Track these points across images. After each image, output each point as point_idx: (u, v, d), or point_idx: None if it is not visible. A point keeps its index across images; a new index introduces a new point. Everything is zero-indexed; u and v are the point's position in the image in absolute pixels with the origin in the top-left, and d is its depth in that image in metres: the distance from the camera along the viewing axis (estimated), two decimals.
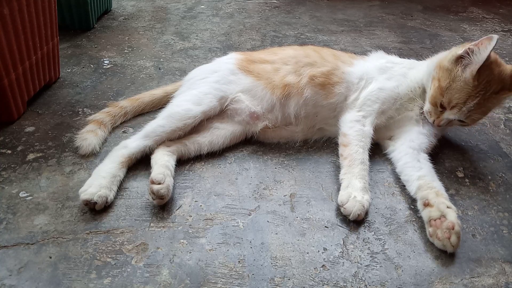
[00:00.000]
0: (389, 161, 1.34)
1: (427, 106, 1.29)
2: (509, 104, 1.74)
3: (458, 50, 1.22)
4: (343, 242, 1.06)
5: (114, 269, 0.95)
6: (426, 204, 1.10)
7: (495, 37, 1.13)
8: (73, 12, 2.17)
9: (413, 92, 1.34)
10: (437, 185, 1.16)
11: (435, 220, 1.06)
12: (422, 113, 1.32)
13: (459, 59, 1.21)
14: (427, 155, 1.28)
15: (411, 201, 1.18)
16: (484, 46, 1.15)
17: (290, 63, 1.41)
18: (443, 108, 1.24)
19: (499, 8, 3.03)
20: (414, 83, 1.35)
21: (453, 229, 1.01)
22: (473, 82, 1.17)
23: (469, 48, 1.19)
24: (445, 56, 1.27)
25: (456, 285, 0.96)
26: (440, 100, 1.24)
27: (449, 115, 1.23)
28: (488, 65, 1.16)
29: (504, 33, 2.54)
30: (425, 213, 1.10)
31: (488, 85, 1.17)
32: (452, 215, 1.04)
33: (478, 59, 1.16)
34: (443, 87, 1.22)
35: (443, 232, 1.02)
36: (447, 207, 1.07)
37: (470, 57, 1.18)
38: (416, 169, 1.22)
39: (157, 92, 1.54)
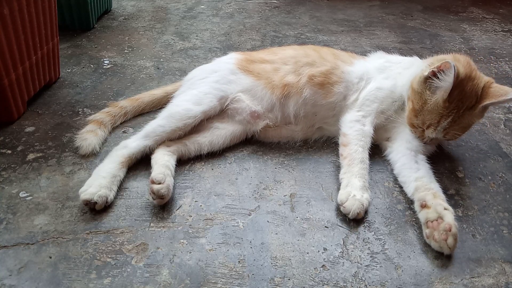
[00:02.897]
0: (388, 161, 1.34)
1: (407, 127, 1.30)
2: (509, 104, 1.74)
3: (425, 71, 1.21)
4: (343, 242, 1.06)
5: (114, 269, 0.95)
6: (423, 206, 1.10)
7: (452, 63, 1.11)
8: (73, 12, 2.17)
9: (407, 93, 1.34)
10: (435, 186, 1.16)
11: (432, 221, 1.06)
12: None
13: (427, 79, 1.20)
14: (425, 156, 1.28)
15: (411, 202, 1.18)
16: (447, 73, 1.14)
17: (290, 63, 1.41)
18: (421, 128, 1.25)
19: (499, 8, 3.03)
20: (406, 83, 1.34)
21: (450, 231, 1.01)
22: (443, 104, 1.17)
23: (432, 70, 1.17)
24: (415, 76, 1.26)
25: (456, 285, 0.96)
26: (415, 122, 1.25)
27: (428, 134, 1.24)
28: (457, 85, 1.15)
29: (504, 33, 2.54)
30: (422, 215, 1.10)
31: (460, 103, 1.16)
32: (449, 217, 1.04)
33: (446, 85, 1.15)
34: (416, 109, 1.23)
35: (440, 233, 1.02)
36: (444, 208, 1.06)
37: (436, 80, 1.17)
38: (414, 170, 1.22)
39: (157, 92, 1.54)
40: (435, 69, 1.17)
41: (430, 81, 1.19)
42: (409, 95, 1.27)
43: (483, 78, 1.20)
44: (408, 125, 1.28)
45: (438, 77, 1.17)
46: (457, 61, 1.19)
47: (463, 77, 1.16)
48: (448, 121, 1.19)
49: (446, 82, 1.14)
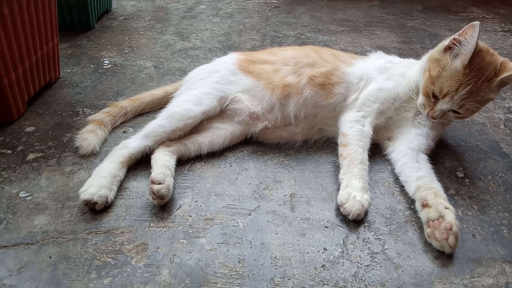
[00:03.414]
0: (389, 161, 1.34)
1: (420, 99, 1.29)
2: (509, 104, 1.74)
3: (445, 42, 1.24)
4: (343, 242, 1.06)
5: (114, 269, 0.95)
6: (425, 205, 1.10)
7: (477, 23, 1.13)
8: (73, 12, 2.17)
9: (412, 92, 1.34)
10: (436, 185, 1.16)
11: (433, 221, 1.06)
12: (419, 113, 1.32)
13: (447, 49, 1.22)
14: (426, 156, 1.28)
15: (411, 201, 1.18)
16: (470, 35, 1.15)
17: (290, 63, 1.41)
18: (435, 98, 1.24)
19: (499, 8, 3.03)
20: (411, 82, 1.35)
21: (451, 230, 1.01)
22: (463, 70, 1.17)
23: (454, 38, 1.20)
24: (434, 49, 1.28)
25: (456, 285, 0.96)
26: (431, 89, 1.23)
27: (442, 105, 1.22)
28: (478, 53, 1.16)
29: (504, 33, 2.54)
30: (423, 214, 1.10)
31: (480, 73, 1.17)
32: (450, 216, 1.04)
33: (468, 49, 1.16)
34: (433, 76, 1.23)
35: (441, 233, 1.02)
36: (445, 208, 1.07)
37: (458, 47, 1.19)
38: (415, 169, 1.22)
39: (157, 92, 1.54)
40: (457, 36, 1.18)
41: (452, 48, 1.20)
42: (426, 67, 1.27)
43: (500, 57, 1.22)
44: (421, 95, 1.28)
45: (460, 44, 1.18)
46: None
47: (483, 49, 1.18)
48: (467, 90, 1.17)
49: (469, 44, 1.15)
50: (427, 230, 1.06)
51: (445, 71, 1.20)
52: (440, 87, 1.21)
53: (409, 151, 1.27)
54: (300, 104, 1.36)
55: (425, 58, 1.33)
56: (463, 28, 1.18)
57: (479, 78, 1.17)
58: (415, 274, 0.98)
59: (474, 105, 1.20)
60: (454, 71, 1.18)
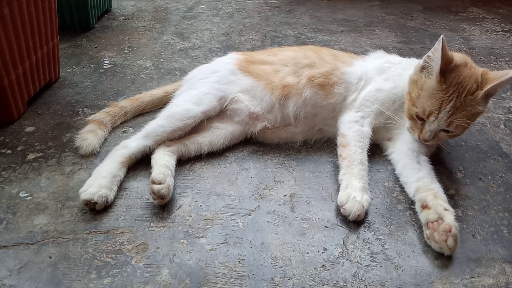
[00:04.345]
0: (389, 161, 1.34)
1: (407, 123, 1.27)
2: (509, 104, 1.74)
3: (420, 61, 1.22)
4: (343, 242, 1.06)
5: (114, 269, 0.96)
6: (424, 206, 1.10)
7: (441, 37, 1.11)
8: (73, 12, 2.17)
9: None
10: (436, 187, 1.16)
11: (432, 222, 1.05)
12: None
13: (422, 69, 1.20)
14: (427, 157, 1.27)
15: (411, 202, 1.18)
16: (436, 49, 1.14)
17: (290, 64, 1.41)
18: (421, 120, 1.20)
19: (499, 8, 3.03)
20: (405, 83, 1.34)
21: (450, 231, 1.01)
22: (440, 86, 1.14)
23: (428, 55, 1.18)
24: (413, 70, 1.26)
25: (456, 285, 0.96)
26: (414, 112, 1.20)
27: (429, 125, 1.18)
28: (453, 68, 1.14)
29: (504, 33, 2.54)
30: (423, 215, 1.10)
31: (460, 87, 1.13)
32: (449, 218, 1.04)
33: (436, 64, 1.14)
34: (413, 97, 1.20)
35: (440, 234, 1.02)
36: (445, 209, 1.06)
37: (430, 64, 1.17)
38: (415, 171, 1.21)
39: (157, 92, 1.54)
40: (430, 53, 1.17)
41: (426, 66, 1.19)
42: (406, 90, 1.26)
43: (480, 68, 1.19)
44: (408, 120, 1.25)
45: (430, 64, 1.17)
46: (454, 53, 1.20)
47: (459, 63, 1.16)
48: (450, 106, 1.13)
49: (437, 59, 1.14)
50: (426, 232, 1.06)
51: (423, 91, 1.18)
52: (422, 107, 1.17)
53: (409, 152, 1.27)
54: (300, 104, 1.36)
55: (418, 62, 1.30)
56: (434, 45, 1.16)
57: (460, 92, 1.13)
58: (415, 274, 0.98)
59: (463, 121, 1.15)
60: (431, 88, 1.16)
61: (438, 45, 1.12)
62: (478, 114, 1.18)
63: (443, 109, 1.14)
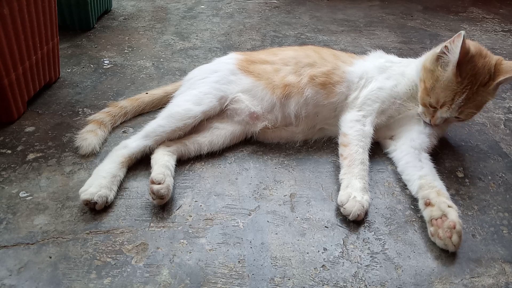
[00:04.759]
0: (389, 160, 1.34)
1: (419, 108, 1.30)
2: (509, 104, 1.74)
3: (437, 49, 1.23)
4: (343, 242, 1.06)
5: (114, 269, 0.95)
6: (428, 204, 1.10)
7: (462, 32, 1.13)
8: (73, 12, 2.17)
9: (411, 91, 1.35)
10: (439, 184, 1.16)
11: (436, 219, 1.06)
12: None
13: (439, 58, 1.21)
14: (428, 154, 1.28)
15: (411, 201, 1.18)
16: (455, 43, 1.15)
17: (290, 63, 1.41)
18: (434, 107, 1.25)
19: (499, 8, 3.03)
20: (411, 81, 1.35)
21: (454, 228, 1.01)
22: (455, 79, 1.17)
23: (445, 46, 1.19)
24: (427, 57, 1.28)
25: (456, 285, 0.96)
26: (428, 101, 1.24)
27: (441, 113, 1.24)
28: (469, 60, 1.16)
29: (504, 33, 2.54)
30: (426, 213, 1.10)
31: (474, 79, 1.17)
32: (453, 214, 1.04)
33: (453, 57, 1.16)
34: (428, 87, 1.23)
35: (444, 231, 1.02)
36: (448, 206, 1.07)
37: (447, 55, 1.19)
38: (418, 168, 1.22)
39: (157, 92, 1.54)
40: (447, 43, 1.18)
41: (442, 57, 1.20)
42: (421, 76, 1.27)
43: (494, 57, 1.21)
44: (420, 106, 1.29)
45: (449, 52, 1.18)
46: (468, 42, 1.20)
47: (474, 53, 1.17)
48: (463, 98, 1.18)
49: (454, 53, 1.15)
50: (431, 229, 1.06)
51: (439, 82, 1.20)
52: (436, 98, 1.22)
53: (411, 150, 1.27)
54: (301, 103, 1.36)
55: (422, 59, 1.33)
56: (453, 36, 1.17)
57: (473, 84, 1.17)
58: (415, 274, 0.98)
59: (473, 109, 1.23)
60: (447, 81, 1.19)
61: (458, 41, 1.13)
62: (487, 101, 1.25)
63: (456, 100, 1.19)
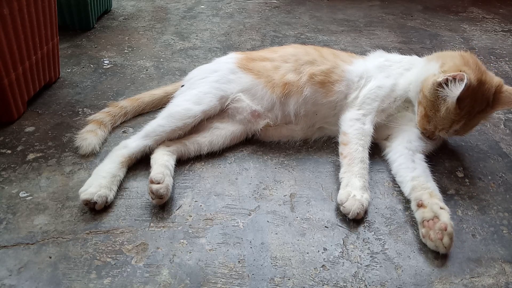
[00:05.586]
0: (387, 161, 1.34)
1: (417, 122, 1.31)
2: None
3: (438, 77, 1.19)
4: (343, 242, 1.06)
5: (114, 269, 0.95)
6: (420, 205, 1.10)
7: (466, 77, 1.11)
8: (73, 12, 2.17)
9: (407, 94, 1.34)
10: (431, 185, 1.16)
11: (428, 221, 1.06)
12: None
13: (439, 86, 1.18)
14: (423, 155, 1.27)
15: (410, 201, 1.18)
16: (457, 85, 1.14)
17: (290, 61, 1.41)
18: (432, 130, 1.28)
19: (499, 8, 3.03)
20: (408, 85, 1.34)
21: (445, 230, 1.01)
22: (455, 111, 1.19)
23: (446, 78, 1.16)
24: (426, 78, 1.24)
25: (456, 285, 0.96)
26: (427, 127, 1.27)
27: (439, 134, 1.28)
28: (470, 93, 1.16)
29: (504, 33, 2.54)
30: (418, 214, 1.10)
31: (472, 109, 1.19)
32: (445, 216, 1.04)
33: (454, 94, 1.15)
34: (429, 116, 1.25)
35: (435, 233, 1.02)
36: (441, 208, 1.06)
37: (447, 87, 1.16)
38: (410, 170, 1.22)
39: (157, 92, 1.54)
40: (449, 77, 1.15)
41: (441, 89, 1.18)
42: (420, 100, 1.26)
43: (493, 81, 1.21)
44: (419, 128, 1.30)
45: (447, 85, 1.16)
46: (466, 65, 1.20)
47: (474, 85, 1.16)
48: (460, 125, 1.22)
49: (453, 93, 1.15)
50: (422, 230, 1.06)
51: (438, 112, 1.22)
52: (435, 125, 1.25)
53: (405, 151, 1.27)
54: (300, 102, 1.36)
55: (420, 74, 1.29)
56: (455, 73, 1.15)
57: (471, 113, 1.20)
58: (415, 274, 0.98)
59: (469, 129, 1.29)
60: (446, 112, 1.20)
61: (460, 85, 1.12)
62: (482, 121, 1.32)
63: (454, 127, 1.23)
